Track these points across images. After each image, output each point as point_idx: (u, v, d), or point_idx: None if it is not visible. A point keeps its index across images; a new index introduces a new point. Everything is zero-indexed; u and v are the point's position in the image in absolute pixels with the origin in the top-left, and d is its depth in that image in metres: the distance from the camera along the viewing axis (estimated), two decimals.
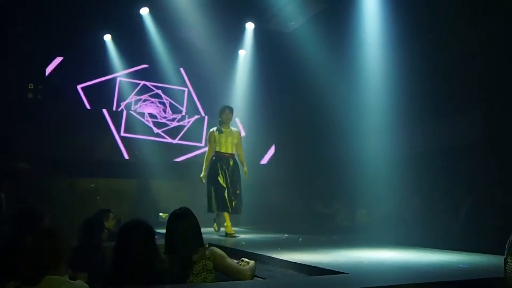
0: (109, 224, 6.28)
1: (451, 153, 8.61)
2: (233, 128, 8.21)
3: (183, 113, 12.97)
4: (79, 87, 12.01)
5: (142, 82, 12.66)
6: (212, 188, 7.88)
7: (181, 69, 12.96)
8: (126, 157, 12.21)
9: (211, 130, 8.14)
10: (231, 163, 8.01)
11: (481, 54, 8.19)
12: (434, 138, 9.21)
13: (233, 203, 7.82)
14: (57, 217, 9.54)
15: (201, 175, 8.01)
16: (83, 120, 11.88)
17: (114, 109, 12.38)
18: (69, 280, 2.77)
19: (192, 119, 13.07)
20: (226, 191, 7.77)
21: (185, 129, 12.96)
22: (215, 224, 8.36)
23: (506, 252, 2.68)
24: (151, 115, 12.69)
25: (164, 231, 3.64)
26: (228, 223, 7.82)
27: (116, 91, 12.45)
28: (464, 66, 8.39)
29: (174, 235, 3.56)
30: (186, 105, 13.06)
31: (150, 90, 12.80)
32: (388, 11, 9.25)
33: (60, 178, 11.29)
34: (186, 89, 13.08)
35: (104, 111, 12.27)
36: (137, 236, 2.92)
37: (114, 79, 12.43)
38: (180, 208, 3.69)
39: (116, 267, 2.91)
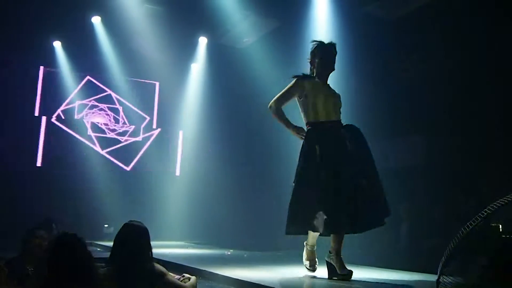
0: (49, 235, 6.14)
1: (393, 174, 8.81)
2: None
3: (128, 126, 12.87)
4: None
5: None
6: (306, 190, 4.41)
7: (130, 79, 12.89)
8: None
9: (299, 79, 4.75)
10: (344, 136, 4.60)
11: (423, 82, 8.47)
12: (379, 160, 9.38)
13: (362, 212, 4.31)
14: None
15: (292, 131, 4.73)
16: (27, 127, 11.63)
17: (61, 115, 12.17)
18: None
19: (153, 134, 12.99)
20: (341, 192, 4.29)
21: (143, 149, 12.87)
22: (308, 255, 4.74)
23: (438, 273, 2.77)
24: (98, 128, 12.53)
25: (108, 243, 3.59)
26: (337, 256, 4.49)
27: (68, 100, 12.28)
28: (408, 92, 8.65)
29: (122, 246, 3.50)
30: (132, 117, 12.98)
31: (97, 92, 12.66)
32: (340, 34, 9.43)
33: (1, 186, 10.98)
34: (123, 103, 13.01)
35: (44, 118, 12.02)
36: (62, 252, 2.88)
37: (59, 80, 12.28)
38: (135, 221, 3.63)
39: (46, 280, 2.89)
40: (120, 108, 12.79)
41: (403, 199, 8.39)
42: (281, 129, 10.44)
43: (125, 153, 12.72)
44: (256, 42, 11.39)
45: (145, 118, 13.09)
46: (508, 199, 2.56)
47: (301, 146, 4.66)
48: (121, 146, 12.68)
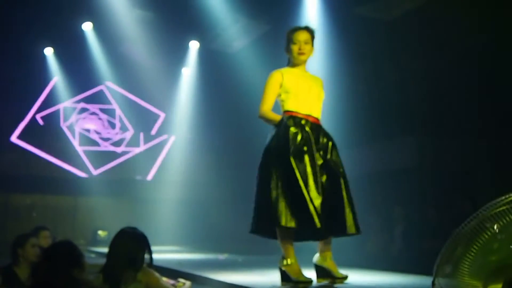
0: (43, 242, 6.08)
1: (388, 176, 8.83)
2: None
3: (118, 132, 12.85)
4: None
5: (81, 105, 12.49)
6: (276, 191, 3.95)
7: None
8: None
9: (274, 71, 4.33)
10: (323, 138, 4.17)
11: (417, 83, 8.49)
12: (372, 162, 9.42)
13: (336, 219, 4.00)
14: None
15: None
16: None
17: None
18: None
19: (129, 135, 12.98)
20: (315, 197, 3.88)
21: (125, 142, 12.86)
22: (297, 269, 4.05)
23: (434, 274, 2.76)
24: (95, 132, 12.53)
25: (100, 249, 3.57)
26: (329, 259, 4.22)
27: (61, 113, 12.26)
28: (401, 93, 8.67)
29: (115, 253, 3.48)
30: (127, 123, 12.95)
31: (88, 98, 12.66)
32: (332, 37, 9.45)
33: None
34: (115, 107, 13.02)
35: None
36: (54, 261, 2.86)
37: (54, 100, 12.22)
38: (131, 227, 3.60)
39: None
40: (107, 118, 12.79)
41: (397, 201, 8.40)
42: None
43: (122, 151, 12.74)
44: (247, 45, 11.39)
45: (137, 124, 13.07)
46: (504, 200, 2.56)
47: (273, 134, 4.17)
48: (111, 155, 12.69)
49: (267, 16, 10.42)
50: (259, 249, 9.14)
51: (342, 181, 4.05)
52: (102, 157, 12.51)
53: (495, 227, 2.59)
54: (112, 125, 12.75)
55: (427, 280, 4.32)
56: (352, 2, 9.09)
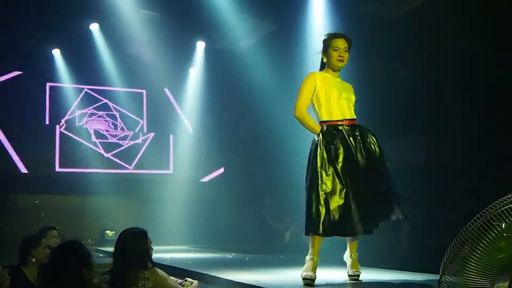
0: (51, 241, 6.10)
1: (394, 175, 8.80)
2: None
3: (126, 132, 12.86)
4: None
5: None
6: (322, 193, 4.15)
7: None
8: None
9: (310, 73, 4.56)
10: (361, 137, 4.39)
11: (424, 81, 8.46)
12: None
13: (374, 215, 4.39)
14: None
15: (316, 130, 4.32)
16: (27, 134, 11.64)
17: (62, 123, 12.18)
18: None
19: (149, 137, 12.99)
20: (352, 197, 4.19)
21: (142, 151, 12.87)
22: (308, 262, 4.26)
23: (440, 272, 2.76)
24: (100, 135, 12.52)
25: (108, 249, 3.58)
26: (354, 254, 4.60)
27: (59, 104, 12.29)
28: (408, 91, 8.64)
29: (119, 254, 3.50)
30: (128, 123, 12.97)
31: (96, 100, 12.64)
32: None
33: (1, 194, 10.99)
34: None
35: (57, 127, 12.06)
36: (62, 261, 2.88)
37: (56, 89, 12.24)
38: (137, 228, 3.61)
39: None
40: (117, 114, 12.79)
41: (406, 199, 8.39)
42: (278, 131, 10.47)
43: (125, 157, 12.76)
44: (254, 45, 11.40)
45: (139, 123, 13.07)
46: (510, 198, 2.55)
47: (313, 144, 4.34)
48: (122, 151, 12.70)
49: (274, 15, 10.42)
50: (266, 248, 9.16)
51: (384, 171, 4.42)
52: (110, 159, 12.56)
53: (502, 225, 2.58)
54: (115, 126, 12.77)
55: (434, 278, 4.33)
56: (358, 0, 9.08)
